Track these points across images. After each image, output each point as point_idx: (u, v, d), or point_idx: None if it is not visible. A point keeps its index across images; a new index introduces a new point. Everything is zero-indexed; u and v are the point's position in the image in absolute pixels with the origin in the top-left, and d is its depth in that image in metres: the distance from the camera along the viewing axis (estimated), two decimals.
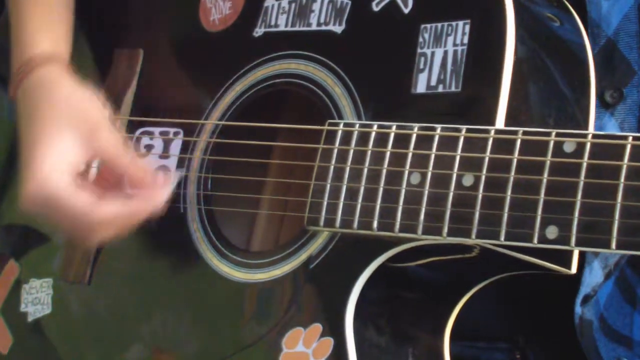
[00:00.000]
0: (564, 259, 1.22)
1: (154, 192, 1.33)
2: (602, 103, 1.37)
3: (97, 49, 1.67)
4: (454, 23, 1.26)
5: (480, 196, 1.17)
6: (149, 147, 1.53)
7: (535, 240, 1.13)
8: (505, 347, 1.48)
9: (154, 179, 1.35)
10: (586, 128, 1.27)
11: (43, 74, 1.45)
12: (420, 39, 1.28)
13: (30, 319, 1.61)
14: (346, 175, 1.27)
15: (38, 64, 1.46)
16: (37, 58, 1.47)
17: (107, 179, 1.40)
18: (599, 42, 1.37)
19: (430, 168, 1.21)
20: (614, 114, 1.37)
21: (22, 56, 1.48)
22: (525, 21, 1.24)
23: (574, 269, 1.23)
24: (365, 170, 1.26)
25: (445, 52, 1.26)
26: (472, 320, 1.37)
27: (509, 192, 1.15)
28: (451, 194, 1.19)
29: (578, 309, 1.38)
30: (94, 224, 1.32)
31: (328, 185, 1.29)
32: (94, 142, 1.36)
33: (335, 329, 1.27)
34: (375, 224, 1.24)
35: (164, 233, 1.49)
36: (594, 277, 1.37)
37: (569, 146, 1.13)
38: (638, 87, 1.36)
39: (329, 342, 1.27)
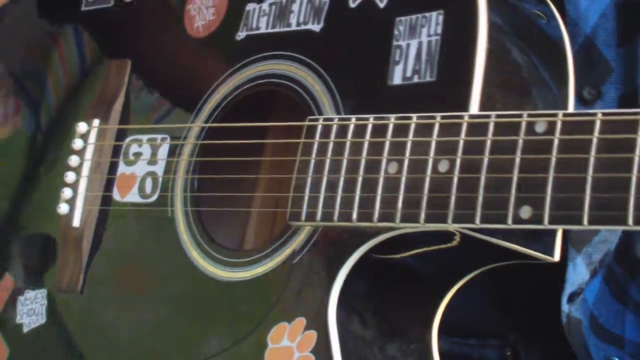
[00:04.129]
0: (546, 245, 1.21)
1: None
2: (580, 100, 1.37)
3: (89, 59, 1.70)
4: (427, 14, 1.27)
5: (455, 179, 1.17)
6: (137, 155, 1.55)
7: (510, 220, 1.13)
8: (496, 344, 1.48)
9: None
10: None
11: None
12: (396, 32, 1.29)
13: (25, 330, 1.62)
14: (326, 168, 1.28)
15: None
16: None
17: None
18: (577, 39, 1.38)
19: (407, 155, 1.21)
20: None
21: None
22: (499, 11, 1.25)
23: (556, 257, 1.22)
24: (345, 162, 1.26)
25: (420, 43, 1.27)
26: (463, 317, 1.37)
27: (483, 173, 1.15)
28: (427, 180, 1.19)
29: (565, 307, 1.37)
30: None
31: (309, 179, 1.29)
32: None
33: (318, 322, 1.27)
34: (354, 215, 1.24)
35: (152, 236, 1.50)
36: (578, 274, 1.37)
37: (540, 126, 1.13)
38: (615, 85, 1.37)
39: (313, 335, 1.27)
